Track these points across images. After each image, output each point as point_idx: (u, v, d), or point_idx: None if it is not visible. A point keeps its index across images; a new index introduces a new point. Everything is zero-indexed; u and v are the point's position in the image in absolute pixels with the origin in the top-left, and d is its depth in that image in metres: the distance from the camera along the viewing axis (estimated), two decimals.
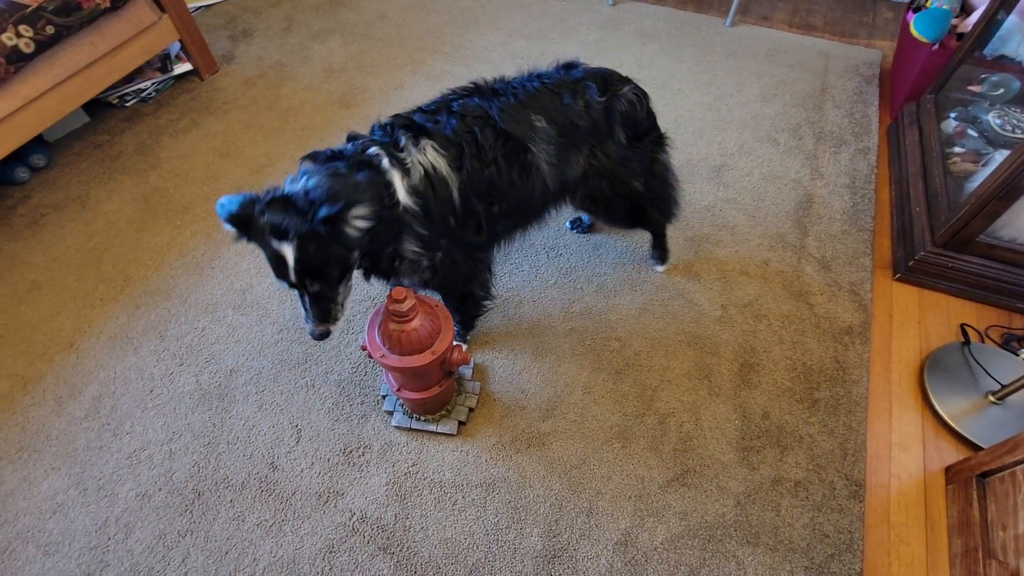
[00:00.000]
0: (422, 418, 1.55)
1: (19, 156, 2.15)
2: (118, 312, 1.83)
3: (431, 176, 1.26)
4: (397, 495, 1.46)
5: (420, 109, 1.36)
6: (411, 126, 1.29)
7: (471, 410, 1.59)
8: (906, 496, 1.48)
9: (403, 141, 1.26)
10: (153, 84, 2.51)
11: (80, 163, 2.27)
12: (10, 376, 1.69)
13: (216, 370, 1.69)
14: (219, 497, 1.47)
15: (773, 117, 2.39)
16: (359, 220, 1.12)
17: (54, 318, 1.81)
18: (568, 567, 1.36)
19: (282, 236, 1.11)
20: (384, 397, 1.61)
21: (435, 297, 1.46)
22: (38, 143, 2.24)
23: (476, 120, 1.31)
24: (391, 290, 1.25)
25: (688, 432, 1.57)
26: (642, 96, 1.49)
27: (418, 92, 2.51)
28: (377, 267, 1.30)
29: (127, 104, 2.48)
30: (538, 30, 2.83)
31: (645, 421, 1.59)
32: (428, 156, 1.26)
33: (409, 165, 1.24)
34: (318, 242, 1.11)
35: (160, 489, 1.49)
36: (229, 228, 1.15)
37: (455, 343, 1.49)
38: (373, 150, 1.23)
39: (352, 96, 2.51)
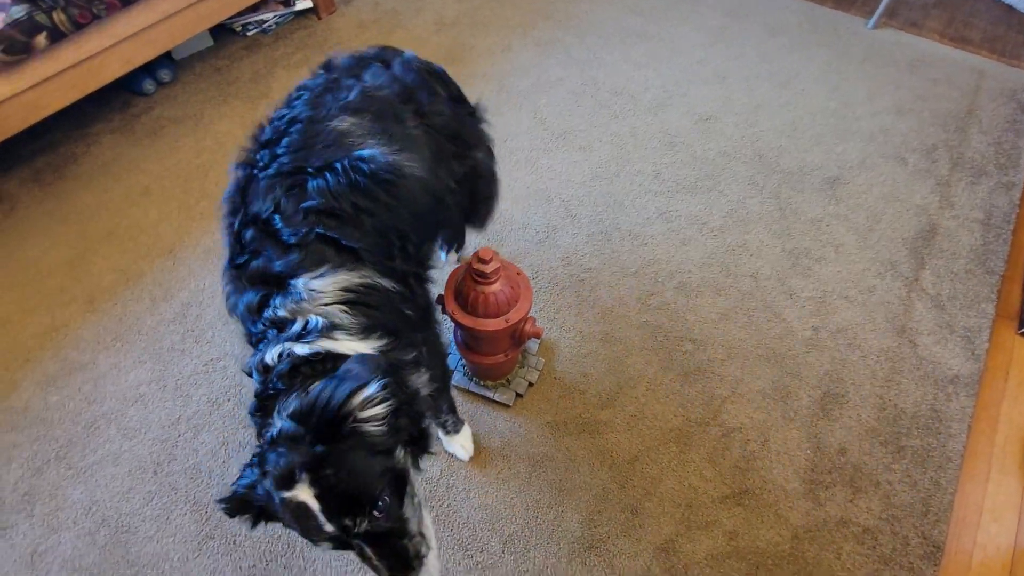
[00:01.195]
0: (481, 383, 1.55)
1: (148, 69, 2.29)
2: (215, 228, 1.92)
3: (359, 296, 0.91)
4: (444, 452, 1.47)
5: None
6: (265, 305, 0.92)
7: (531, 384, 1.57)
8: (989, 570, 1.33)
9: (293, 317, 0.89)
10: (274, 17, 2.59)
11: (199, 83, 2.38)
12: (116, 270, 1.82)
13: None
14: None
15: (905, 133, 2.17)
16: (374, 407, 0.79)
17: (159, 224, 1.93)
18: (604, 560, 1.33)
19: (287, 483, 0.77)
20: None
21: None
22: (166, 59, 2.37)
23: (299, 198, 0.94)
24: (479, 249, 1.23)
25: (753, 451, 1.48)
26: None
27: (524, 56, 2.45)
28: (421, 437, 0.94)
29: (248, 33, 2.58)
30: (657, 8, 2.68)
31: (708, 431, 1.51)
32: (327, 291, 0.89)
33: (327, 320, 0.88)
34: (337, 463, 0.78)
35: (229, 399, 1.57)
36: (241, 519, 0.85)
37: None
38: (286, 348, 0.87)
39: (459, 52, 2.49)
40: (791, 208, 1.95)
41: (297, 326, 0.87)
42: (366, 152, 0.98)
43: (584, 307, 1.74)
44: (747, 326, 1.69)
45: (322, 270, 0.89)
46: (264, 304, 0.91)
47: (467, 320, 1.28)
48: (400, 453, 0.86)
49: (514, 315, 1.29)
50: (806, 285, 1.77)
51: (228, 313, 0.98)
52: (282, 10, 2.60)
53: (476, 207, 1.45)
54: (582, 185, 2.02)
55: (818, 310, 1.72)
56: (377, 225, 0.97)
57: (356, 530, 0.79)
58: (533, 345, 1.64)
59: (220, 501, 0.84)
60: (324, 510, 0.77)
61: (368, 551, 0.81)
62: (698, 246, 1.87)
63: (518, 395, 1.55)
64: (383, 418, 0.81)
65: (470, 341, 1.41)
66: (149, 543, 1.36)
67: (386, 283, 0.95)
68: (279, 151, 0.98)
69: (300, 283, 0.89)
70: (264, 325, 0.90)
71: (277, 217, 0.92)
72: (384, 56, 1.19)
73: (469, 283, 1.27)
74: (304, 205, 0.92)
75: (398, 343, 0.93)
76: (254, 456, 0.84)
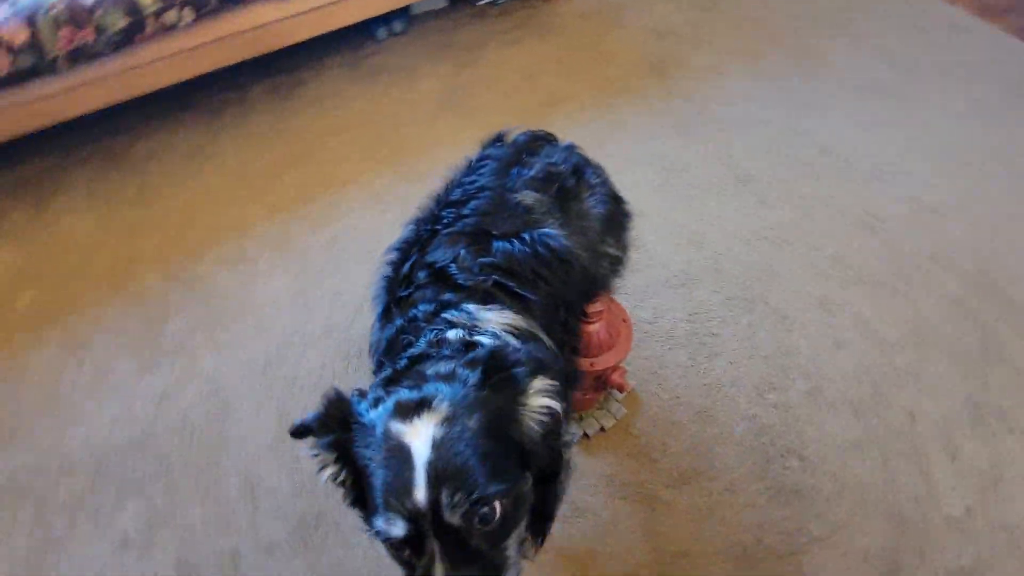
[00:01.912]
0: None
1: (386, 18, 2.53)
2: (385, 175, 2.10)
3: (522, 336, 0.92)
4: None
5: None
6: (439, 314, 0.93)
7: (602, 429, 1.49)
8: None
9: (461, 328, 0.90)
10: None
11: (422, 40, 2.58)
12: (297, 188, 2.09)
13: None
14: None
15: None
16: (545, 396, 0.74)
17: (343, 159, 2.17)
18: None
19: (409, 413, 0.69)
20: None
21: None
22: (403, 11, 2.60)
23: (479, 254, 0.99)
24: None
25: None
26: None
27: (736, 85, 2.24)
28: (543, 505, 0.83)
29: (478, 3, 2.71)
30: (916, 60, 2.25)
31: (779, 567, 1.30)
32: (494, 320, 0.92)
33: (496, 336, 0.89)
34: (475, 424, 0.69)
35: (340, 331, 1.73)
36: (316, 448, 0.77)
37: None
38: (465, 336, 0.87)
39: (669, 64, 2.36)
40: (999, 350, 1.55)
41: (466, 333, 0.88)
42: (552, 232, 1.05)
43: (693, 373, 1.58)
44: (879, 469, 1.40)
45: (493, 305, 0.93)
46: (435, 313, 0.92)
47: None
48: (529, 482, 0.75)
49: (600, 362, 1.22)
50: (979, 452, 1.41)
51: (370, 351, 1.03)
52: None
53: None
54: (743, 241, 1.82)
55: (983, 488, 1.36)
56: (550, 293, 1.02)
57: (445, 517, 0.64)
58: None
59: (302, 424, 0.76)
60: (430, 465, 0.64)
61: (437, 564, 0.65)
62: (853, 353, 1.58)
63: (586, 435, 1.48)
64: (544, 415, 0.74)
65: None
66: (237, 425, 1.58)
67: (546, 339, 0.97)
68: (465, 212, 1.07)
69: (471, 307, 0.92)
70: (433, 326, 0.90)
71: (453, 266, 0.98)
72: (548, 138, 1.29)
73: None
74: (484, 260, 0.98)
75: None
76: (383, 378, 0.82)
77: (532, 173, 1.13)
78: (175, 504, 1.45)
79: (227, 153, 2.22)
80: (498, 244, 1.00)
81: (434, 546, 0.66)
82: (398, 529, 0.66)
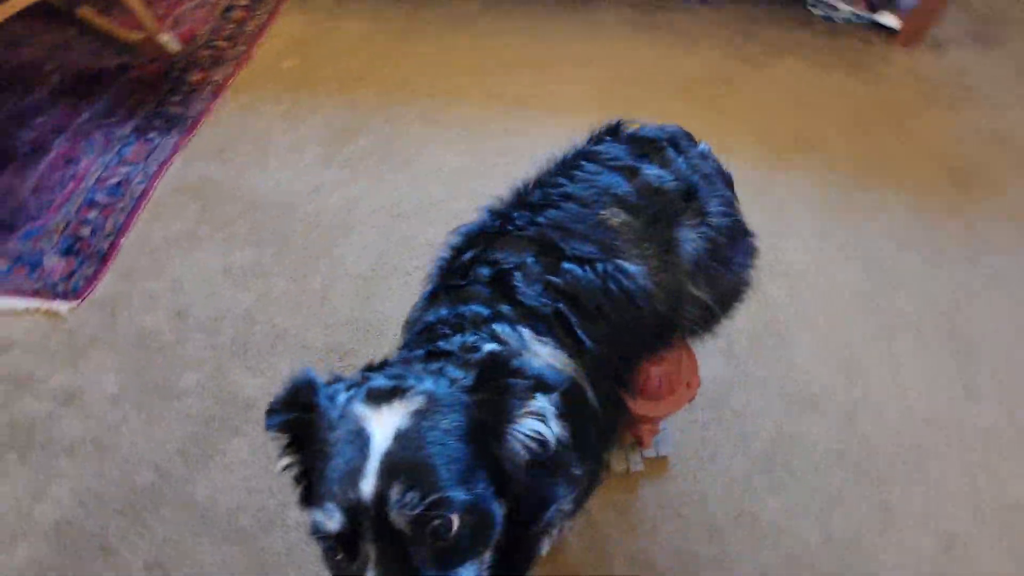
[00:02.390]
0: None
1: None
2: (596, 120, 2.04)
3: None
4: None
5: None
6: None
7: (607, 468, 1.38)
8: None
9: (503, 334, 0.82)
10: (851, 12, 2.30)
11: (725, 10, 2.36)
12: (517, 95, 2.12)
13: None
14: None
15: None
16: (538, 421, 0.66)
17: (577, 89, 2.13)
18: None
19: (379, 399, 0.63)
20: None
21: None
22: None
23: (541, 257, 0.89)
24: None
25: None
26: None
27: None
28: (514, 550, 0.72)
29: (812, 8, 2.36)
30: None
31: None
32: (542, 355, 0.81)
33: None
34: (454, 426, 0.62)
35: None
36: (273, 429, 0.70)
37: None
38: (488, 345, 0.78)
39: (976, 182, 1.86)
40: None
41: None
42: (633, 268, 0.93)
43: (739, 489, 1.37)
44: None
45: (548, 339, 0.85)
46: (487, 321, 0.84)
47: None
48: (500, 511, 0.66)
49: (638, 407, 1.11)
50: None
51: (404, 325, 0.98)
52: (862, 11, 2.28)
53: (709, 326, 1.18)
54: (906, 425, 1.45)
55: None
56: (610, 336, 0.91)
57: (390, 516, 0.56)
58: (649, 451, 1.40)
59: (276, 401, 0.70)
60: (386, 456, 0.57)
61: (372, 559, 0.56)
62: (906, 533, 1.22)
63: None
64: (532, 440, 0.67)
65: None
66: (344, 245, 1.78)
67: (590, 393, 0.88)
68: (540, 219, 0.94)
69: (526, 332, 0.84)
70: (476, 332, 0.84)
71: (518, 274, 0.89)
72: (677, 141, 1.08)
73: None
74: (550, 278, 0.89)
75: (571, 442, 0.79)
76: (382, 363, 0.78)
77: (630, 187, 0.97)
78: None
79: (490, 33, 2.31)
80: (568, 266, 0.90)
81: (370, 550, 0.56)
82: (334, 523, 0.57)
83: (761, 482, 1.37)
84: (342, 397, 0.65)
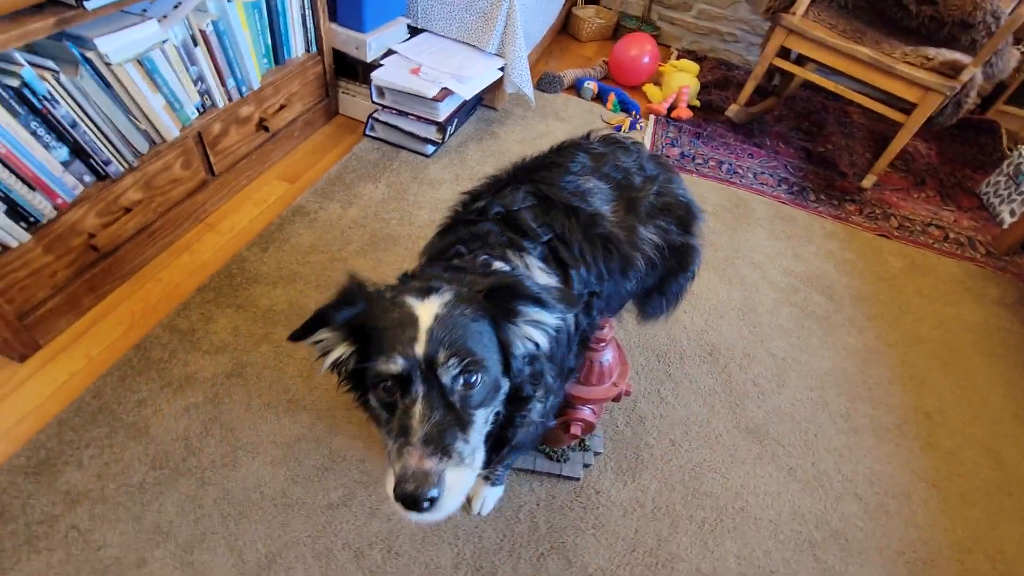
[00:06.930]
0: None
1: None
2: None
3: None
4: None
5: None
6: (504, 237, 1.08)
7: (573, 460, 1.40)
8: None
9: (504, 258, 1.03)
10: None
11: None
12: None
13: None
14: None
15: None
16: (537, 329, 0.88)
17: None
18: None
19: (425, 292, 0.85)
20: None
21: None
22: None
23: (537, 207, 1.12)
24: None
25: None
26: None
27: None
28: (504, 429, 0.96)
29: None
30: None
31: None
32: (532, 267, 1.04)
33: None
34: (475, 316, 0.84)
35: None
36: (330, 329, 0.87)
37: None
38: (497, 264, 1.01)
39: None
40: None
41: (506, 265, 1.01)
42: (606, 213, 1.17)
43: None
44: None
45: (549, 269, 1.05)
46: (503, 245, 1.04)
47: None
48: (506, 384, 0.88)
49: (625, 384, 1.25)
50: None
51: (422, 251, 1.17)
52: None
53: (665, 293, 1.42)
54: None
55: None
56: (589, 267, 1.11)
57: (436, 371, 0.79)
58: (597, 443, 1.44)
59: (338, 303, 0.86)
60: (431, 331, 0.79)
61: (418, 404, 0.78)
62: None
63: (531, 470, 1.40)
64: (529, 342, 0.88)
65: None
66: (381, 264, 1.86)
67: (570, 317, 1.05)
68: (536, 178, 1.18)
69: (535, 261, 1.05)
70: (490, 251, 1.03)
71: (526, 214, 1.10)
72: (626, 144, 1.35)
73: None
74: (547, 219, 1.11)
75: (550, 355, 0.98)
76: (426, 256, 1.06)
77: (600, 164, 1.23)
78: None
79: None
80: (559, 209, 1.12)
81: (420, 390, 0.79)
82: (396, 366, 0.79)
83: None
84: (389, 294, 0.87)
